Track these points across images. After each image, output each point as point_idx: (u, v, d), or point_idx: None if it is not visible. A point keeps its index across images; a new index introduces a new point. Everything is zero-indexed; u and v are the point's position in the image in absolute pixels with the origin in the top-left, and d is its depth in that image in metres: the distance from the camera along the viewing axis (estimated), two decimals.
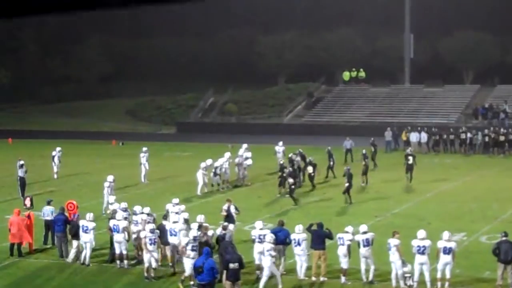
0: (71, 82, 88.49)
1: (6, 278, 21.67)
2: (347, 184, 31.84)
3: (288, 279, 20.87)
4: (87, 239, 22.54)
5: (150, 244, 21.10)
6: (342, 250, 20.47)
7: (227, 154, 36.72)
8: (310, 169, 35.48)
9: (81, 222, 22.79)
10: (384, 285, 20.22)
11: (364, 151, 37.87)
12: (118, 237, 22.12)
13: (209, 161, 35.01)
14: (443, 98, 68.41)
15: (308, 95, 71.38)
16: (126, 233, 22.25)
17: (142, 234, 21.53)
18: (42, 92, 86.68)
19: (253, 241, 21.21)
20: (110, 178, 30.22)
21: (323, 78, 76.51)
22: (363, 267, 20.45)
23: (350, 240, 20.51)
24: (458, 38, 78.06)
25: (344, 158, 44.35)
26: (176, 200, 24.54)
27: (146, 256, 21.23)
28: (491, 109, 61.06)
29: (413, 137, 50.40)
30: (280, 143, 42.97)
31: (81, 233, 22.67)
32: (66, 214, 23.89)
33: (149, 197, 33.44)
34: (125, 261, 22.25)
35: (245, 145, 39.36)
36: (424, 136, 50.50)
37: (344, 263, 20.47)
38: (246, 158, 37.57)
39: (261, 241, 21.00)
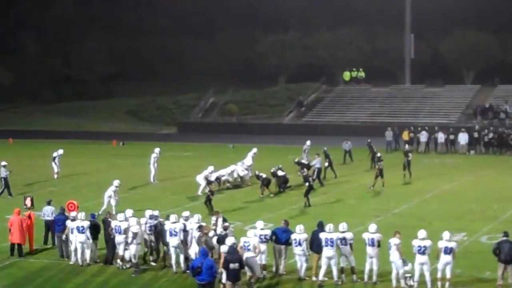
0: (71, 82, 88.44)
1: (6, 278, 21.68)
2: (307, 187, 31.50)
3: (288, 279, 20.91)
4: (82, 239, 22.45)
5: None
6: (347, 250, 20.51)
7: (232, 167, 36.32)
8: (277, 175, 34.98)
9: (76, 223, 22.62)
10: (385, 285, 20.23)
11: (379, 154, 37.41)
12: (119, 238, 22.07)
13: (210, 168, 34.52)
14: (444, 98, 68.31)
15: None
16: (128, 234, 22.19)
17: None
18: (42, 92, 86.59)
19: None
20: (116, 182, 29.83)
21: (323, 78, 76.44)
22: (367, 267, 20.43)
23: (352, 239, 20.56)
24: (458, 38, 77.89)
25: (343, 159, 44.30)
26: (186, 213, 22.60)
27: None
28: (492, 109, 61.04)
29: (424, 137, 50.53)
30: (308, 142, 42.77)
31: (76, 233, 22.48)
32: (67, 214, 23.86)
33: (150, 197, 33.45)
34: (120, 262, 22.22)
35: (254, 150, 38.73)
36: (441, 137, 50.43)
37: (352, 261, 20.54)
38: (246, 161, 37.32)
39: (262, 241, 21.01)
